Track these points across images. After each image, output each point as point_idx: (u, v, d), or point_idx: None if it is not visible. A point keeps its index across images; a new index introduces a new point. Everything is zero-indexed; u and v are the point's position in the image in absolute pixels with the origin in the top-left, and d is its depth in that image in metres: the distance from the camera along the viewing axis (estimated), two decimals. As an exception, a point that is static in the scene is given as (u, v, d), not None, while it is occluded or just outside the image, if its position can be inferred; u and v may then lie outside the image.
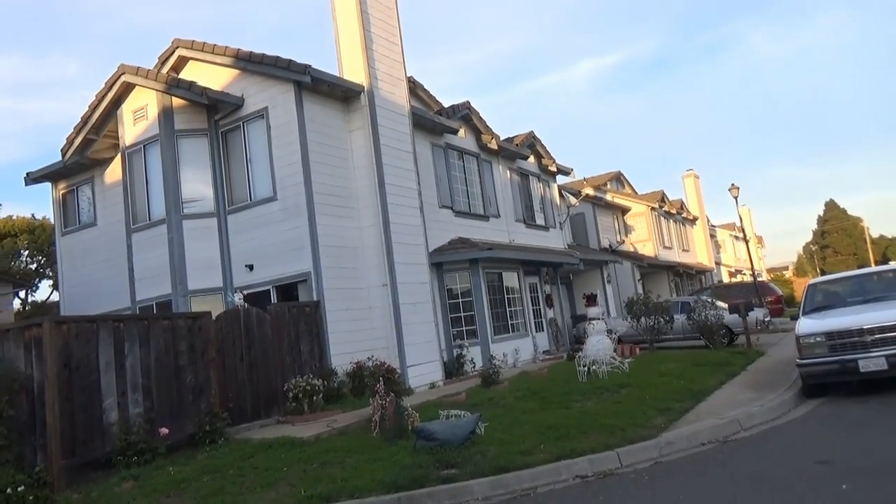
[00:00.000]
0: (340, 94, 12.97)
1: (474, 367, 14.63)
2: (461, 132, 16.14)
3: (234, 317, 9.87)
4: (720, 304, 17.40)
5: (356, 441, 8.41)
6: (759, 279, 34.65)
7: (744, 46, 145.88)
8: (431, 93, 19.48)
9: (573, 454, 7.00)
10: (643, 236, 32.96)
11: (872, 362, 8.97)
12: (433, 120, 15.50)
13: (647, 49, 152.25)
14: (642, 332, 17.08)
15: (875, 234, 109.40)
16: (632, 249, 32.11)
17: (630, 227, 32.93)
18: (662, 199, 34.94)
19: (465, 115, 16.94)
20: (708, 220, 48.88)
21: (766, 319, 19.45)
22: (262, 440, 8.69)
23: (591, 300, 16.82)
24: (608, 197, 32.85)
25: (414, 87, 19.13)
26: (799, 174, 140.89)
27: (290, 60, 11.90)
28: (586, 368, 12.17)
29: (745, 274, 56.21)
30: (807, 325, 10.02)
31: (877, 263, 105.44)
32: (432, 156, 15.64)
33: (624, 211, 32.65)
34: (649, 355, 15.72)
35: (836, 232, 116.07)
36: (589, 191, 32.62)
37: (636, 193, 38.50)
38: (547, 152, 21.18)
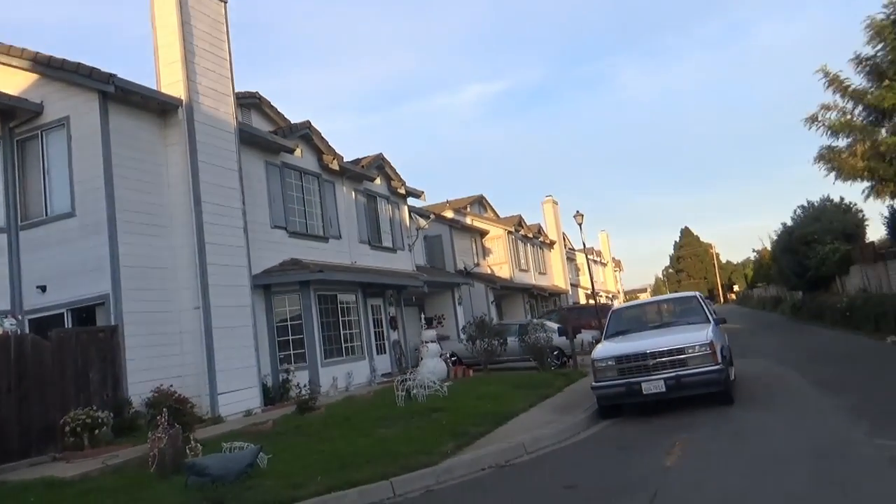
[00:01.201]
0: (156, 106, 12.30)
1: (300, 392, 14.23)
2: (298, 152, 15.83)
3: (2, 345, 8.93)
4: (550, 325, 18.13)
5: (128, 479, 7.80)
6: (607, 302, 36.70)
7: (617, 81, 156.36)
8: (280, 110, 19.12)
9: (347, 485, 6.87)
10: (500, 259, 33.94)
11: (653, 385, 9.57)
12: (267, 138, 15.10)
13: (531, 78, 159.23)
14: (477, 355, 17.43)
15: (724, 260, 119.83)
16: (488, 272, 32.95)
17: (488, 250, 33.82)
18: (520, 223, 36.22)
19: (305, 134, 16.66)
20: (567, 244, 51.32)
21: (596, 341, 20.44)
22: (20, 482, 7.86)
23: (428, 323, 16.96)
24: (467, 220, 33.58)
25: (260, 104, 18.67)
26: (662, 203, 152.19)
27: (93, 68, 11.14)
28: (405, 393, 12.15)
29: (601, 296, 59.54)
30: (600, 350, 10.58)
31: (723, 287, 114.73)
32: (266, 174, 15.20)
33: (482, 234, 33.50)
34: (479, 378, 16.05)
35: (690, 257, 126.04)
36: (449, 213, 33.28)
37: (498, 217, 39.70)
38: (396, 174, 21.29)
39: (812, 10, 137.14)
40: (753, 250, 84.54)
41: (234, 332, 12.37)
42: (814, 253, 28.11)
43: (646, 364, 9.74)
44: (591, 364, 10.39)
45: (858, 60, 13.73)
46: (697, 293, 11.84)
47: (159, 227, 11.92)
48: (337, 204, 17.99)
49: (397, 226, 21.54)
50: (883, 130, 13.74)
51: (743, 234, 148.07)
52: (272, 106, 19.01)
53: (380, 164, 20.45)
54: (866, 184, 14.45)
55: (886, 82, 13.09)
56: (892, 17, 13.18)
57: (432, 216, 24.66)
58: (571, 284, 49.61)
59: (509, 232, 34.26)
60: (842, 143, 14.27)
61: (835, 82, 13.94)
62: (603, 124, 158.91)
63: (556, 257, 43.62)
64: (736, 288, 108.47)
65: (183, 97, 12.34)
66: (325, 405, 12.98)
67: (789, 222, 32.34)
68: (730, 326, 35.88)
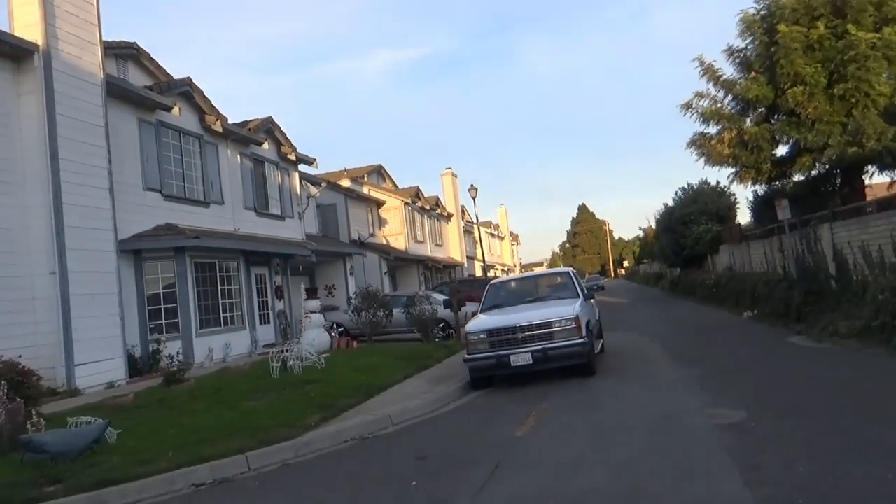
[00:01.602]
0: (8, 50, 11.16)
1: (171, 363, 13.65)
2: (176, 110, 14.92)
3: None
4: (436, 298, 18.31)
5: (-43, 458, 7.20)
6: (501, 275, 37.52)
7: (526, 58, 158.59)
8: (161, 64, 17.89)
9: (199, 460, 6.65)
10: (396, 230, 33.85)
11: (521, 357, 9.86)
12: (140, 93, 14.12)
13: (442, 48, 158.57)
14: (362, 326, 17.34)
15: (616, 237, 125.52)
16: (384, 242, 32.80)
17: (384, 221, 33.61)
18: (417, 194, 36.21)
19: (186, 91, 15.73)
20: (467, 216, 51.94)
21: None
22: None
23: (310, 293, 16.65)
24: (364, 189, 33.17)
25: (138, 55, 17.38)
26: (563, 179, 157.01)
27: (-73, 2, 9.94)
28: (280, 364, 11.90)
29: (496, 269, 60.92)
30: (474, 323, 10.78)
31: (614, 263, 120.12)
32: (139, 132, 14.25)
33: (379, 204, 33.23)
34: (362, 349, 16.01)
35: (585, 233, 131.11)
36: (346, 182, 32.71)
37: (397, 188, 39.50)
38: (287, 139, 20.60)
39: (706, 2, 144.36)
40: (640, 228, 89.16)
41: (96, 299, 11.61)
42: (690, 232, 29.91)
43: (515, 337, 10.02)
44: (464, 337, 10.57)
45: (730, 52, 14.57)
46: (570, 269, 12.27)
47: (6, 184, 10.90)
48: (220, 167, 17.20)
49: (287, 193, 20.91)
50: (748, 120, 14.68)
51: (635, 211, 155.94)
52: (152, 59, 17.75)
53: (269, 129, 19.69)
54: (731, 170, 15.43)
55: (753, 74, 13.94)
56: (761, 12, 14.01)
57: (324, 184, 24.13)
58: (468, 257, 50.37)
59: (406, 203, 34.18)
60: (713, 130, 15.13)
61: (709, 71, 14.71)
62: (510, 99, 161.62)
63: (453, 229, 44.05)
64: (626, 264, 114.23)
65: (40, 42, 11.26)
66: (197, 377, 12.50)
67: (671, 203, 34.15)
68: (613, 300, 37.85)
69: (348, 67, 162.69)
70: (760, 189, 17.69)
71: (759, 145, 13.82)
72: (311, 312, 16.38)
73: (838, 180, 14.79)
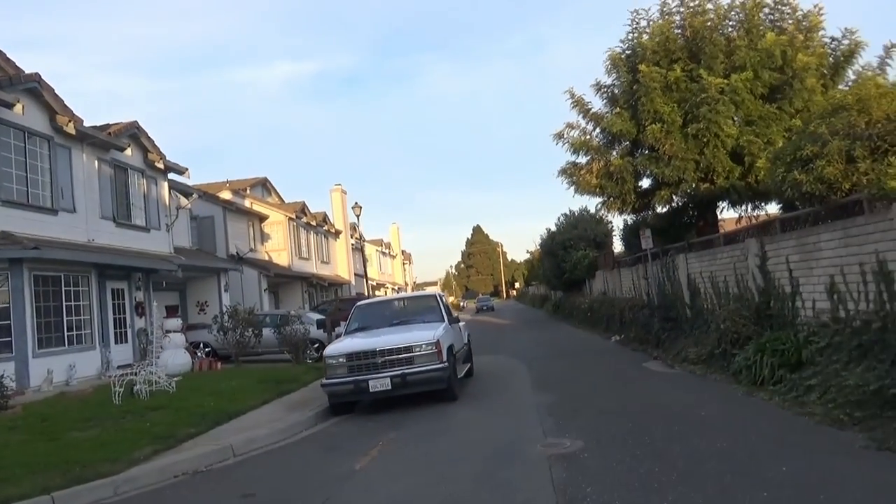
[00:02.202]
0: None
1: (2, 387, 12.31)
2: (18, 107, 13.57)
3: None
4: (310, 317, 17.74)
5: None
6: (388, 293, 37.26)
7: (427, 78, 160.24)
8: (9, 56, 16.36)
9: (-6, 503, 5.87)
10: (279, 245, 32.79)
11: (380, 382, 9.61)
12: (-26, 88, 12.77)
13: (344, 64, 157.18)
14: (229, 346, 16.48)
15: (509, 258, 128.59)
16: (266, 258, 31.67)
17: (267, 235, 32.48)
18: (303, 210, 35.32)
19: (33, 88, 14.40)
20: (357, 235, 51.38)
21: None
22: None
23: (170, 311, 15.65)
24: (246, 203, 31.95)
25: (-18, 46, 15.81)
26: (459, 200, 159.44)
27: None
28: (122, 389, 10.97)
29: (387, 287, 60.59)
30: (333, 347, 10.44)
31: (506, 284, 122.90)
32: (-30, 130, 12.87)
33: (262, 218, 32.08)
34: (226, 371, 15.19)
35: (480, 254, 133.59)
36: (227, 194, 31.37)
37: (283, 201, 38.40)
38: (155, 146, 19.39)
39: (600, 37, 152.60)
40: (527, 251, 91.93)
41: None
42: (570, 257, 30.98)
43: (374, 362, 9.77)
44: (323, 360, 10.20)
45: (598, 87, 15.23)
46: (437, 292, 12.21)
47: None
48: (73, 173, 15.84)
49: (153, 203, 19.65)
50: (614, 152, 15.35)
51: (527, 234, 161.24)
52: (8, 58, 16.23)
53: (134, 134, 18.46)
54: (600, 199, 16.06)
55: (618, 110, 14.62)
56: (626, 52, 14.76)
57: (195, 195, 22.92)
58: (357, 275, 49.74)
59: (290, 218, 33.22)
60: (583, 160, 15.70)
61: (579, 104, 15.28)
62: (408, 119, 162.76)
63: (341, 247, 43.32)
64: (517, 285, 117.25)
65: None
66: (27, 403, 11.34)
67: (553, 227, 35.28)
68: (499, 321, 38.50)
69: (244, 77, 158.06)
70: (629, 219, 18.55)
71: (622, 177, 14.46)
72: (170, 332, 15.41)
73: (694, 213, 15.72)
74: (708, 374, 10.33)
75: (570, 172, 15.67)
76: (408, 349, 9.79)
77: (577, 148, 15.26)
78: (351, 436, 8.33)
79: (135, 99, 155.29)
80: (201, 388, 12.27)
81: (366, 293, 49.26)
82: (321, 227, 38.85)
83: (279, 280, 31.91)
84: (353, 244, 47.72)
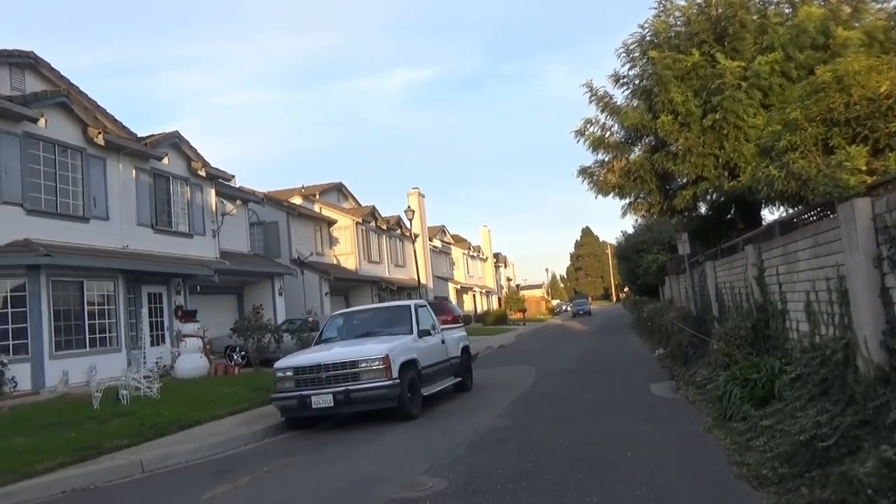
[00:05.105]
0: None
1: (16, 386, 13.04)
2: (42, 122, 14.34)
3: None
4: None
5: None
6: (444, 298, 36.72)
7: (544, 78, 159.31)
8: (64, 74, 17.50)
9: None
10: (347, 249, 33.17)
11: (322, 398, 9.13)
12: (-1, 104, 13.58)
13: (461, 68, 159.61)
14: (250, 352, 16.63)
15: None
16: (334, 262, 32.12)
17: (335, 240, 32.95)
18: (372, 213, 35.55)
19: (62, 102, 15.20)
20: (447, 237, 51.31)
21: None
22: None
23: (187, 315, 15.98)
24: (316, 208, 32.58)
25: (36, 65, 16.99)
26: (568, 201, 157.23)
27: None
28: (101, 395, 11.17)
29: (475, 290, 60.05)
30: (284, 360, 10.04)
31: (617, 287, 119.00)
32: (-2, 145, 13.71)
33: (330, 223, 32.59)
34: (238, 377, 15.29)
35: (589, 256, 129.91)
36: (298, 199, 32.17)
37: (359, 205, 38.88)
38: (197, 155, 20.04)
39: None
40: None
41: None
42: (641, 261, 29.02)
43: (319, 377, 9.29)
44: (275, 373, 9.84)
45: (616, 78, 13.81)
46: (413, 302, 11.47)
47: None
48: (107, 182, 16.60)
49: (197, 209, 20.30)
50: (636, 149, 13.93)
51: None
52: (52, 68, 17.34)
53: (175, 143, 19.15)
54: (626, 201, 14.67)
55: (635, 102, 13.22)
56: (647, 37, 13.25)
57: (239, 201, 23.47)
58: (441, 277, 49.62)
59: (358, 223, 33.51)
60: (605, 158, 14.39)
61: (598, 98, 13.90)
62: (524, 121, 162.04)
63: (418, 250, 43.26)
64: (626, 289, 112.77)
65: None
66: (20, 405, 11.83)
67: (630, 230, 33.28)
68: (576, 328, 36.91)
69: (365, 86, 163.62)
70: (674, 221, 16.90)
71: (640, 175, 13.05)
72: (187, 336, 15.74)
73: (731, 214, 13.97)
74: (697, 402, 8.96)
75: (590, 172, 14.39)
76: (353, 364, 9.25)
77: (595, 145, 13.97)
78: (261, 457, 7.87)
79: (264, 111, 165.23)
80: (186, 395, 12.33)
81: (448, 296, 49.11)
82: (394, 230, 38.96)
83: (348, 284, 32.26)
84: (432, 247, 47.68)
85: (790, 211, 9.28)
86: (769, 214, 13.92)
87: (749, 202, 13.17)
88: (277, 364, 9.86)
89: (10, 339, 13.30)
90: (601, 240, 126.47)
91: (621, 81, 13.70)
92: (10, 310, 13.39)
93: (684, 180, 12.93)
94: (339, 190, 38.42)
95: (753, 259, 8.87)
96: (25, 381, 13.33)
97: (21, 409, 11.21)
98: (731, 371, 7.76)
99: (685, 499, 4.98)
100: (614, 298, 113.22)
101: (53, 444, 8.40)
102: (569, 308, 72.70)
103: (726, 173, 12.02)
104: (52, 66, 17.46)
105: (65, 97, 15.25)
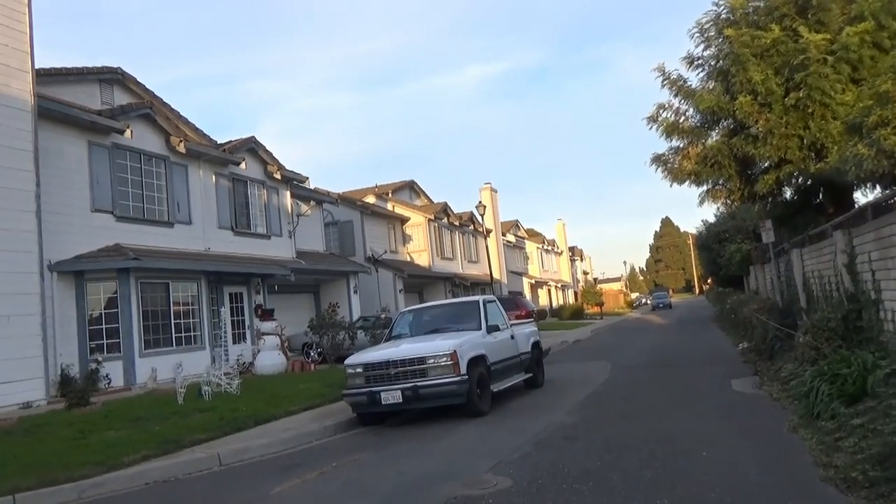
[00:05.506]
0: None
1: (109, 383, 13.85)
2: (128, 133, 15.13)
3: None
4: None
5: None
6: (519, 292, 36.34)
7: (618, 67, 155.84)
8: (149, 87, 18.48)
9: (-43, 502, 6.42)
10: (420, 246, 33.43)
11: (391, 395, 9.18)
12: (89, 119, 14.41)
13: (531, 60, 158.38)
14: (325, 349, 16.99)
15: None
16: (407, 259, 32.44)
17: (408, 237, 33.27)
18: (444, 210, 35.66)
19: (146, 114, 15.99)
20: (521, 231, 50.96)
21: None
22: None
23: (265, 314, 16.47)
24: (389, 206, 32.99)
25: (123, 80, 17.98)
26: (647, 191, 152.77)
27: None
28: (185, 390, 11.69)
29: (550, 285, 59.28)
30: (353, 357, 10.16)
31: (699, 278, 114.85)
32: (88, 155, 14.56)
33: (403, 221, 32.93)
34: (313, 373, 15.63)
35: (669, 247, 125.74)
36: (371, 198, 32.70)
37: (431, 202, 39.10)
38: (273, 158, 20.66)
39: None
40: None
41: (12, 321, 11.83)
42: (724, 251, 27.83)
43: (388, 373, 9.35)
44: (345, 370, 9.97)
45: (690, 59, 13.17)
46: (482, 298, 11.34)
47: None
48: (189, 188, 17.37)
49: (274, 211, 20.95)
50: (714, 134, 13.27)
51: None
52: (138, 82, 18.33)
53: (252, 148, 19.81)
54: (704, 188, 14.00)
55: (712, 84, 12.58)
56: (722, 15, 12.57)
57: (313, 203, 24.01)
58: (515, 272, 49.25)
59: (430, 220, 33.69)
60: (680, 144, 13.79)
61: (670, 82, 13.31)
62: (598, 111, 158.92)
63: (491, 245, 43.08)
64: (709, 281, 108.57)
65: (-40, 72, 11.67)
66: (113, 400, 12.50)
67: (712, 219, 31.97)
68: (655, 322, 35.82)
69: (439, 84, 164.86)
70: (755, 207, 16.06)
71: (718, 161, 12.41)
72: (266, 334, 16.23)
73: (820, 198, 13.09)
74: (782, 399, 8.44)
75: (664, 160, 13.83)
76: (421, 360, 9.24)
77: (668, 132, 13.40)
78: (330, 453, 7.97)
79: (337, 113, 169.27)
80: (263, 391, 12.71)
81: (523, 291, 48.70)
82: (466, 226, 38.95)
83: (422, 280, 32.52)
84: (506, 242, 47.36)
85: (885, 192, 8.58)
86: (862, 197, 12.98)
87: (838, 184, 12.30)
88: (348, 361, 9.99)
89: (105, 338, 14.13)
90: (682, 230, 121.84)
91: (695, 63, 13.08)
92: (103, 311, 14.23)
93: (766, 164, 12.18)
94: (412, 188, 38.76)
95: (843, 245, 8.26)
96: (118, 378, 14.12)
97: (113, 405, 11.85)
98: (818, 366, 7.24)
99: (765, 502, 4.66)
100: (697, 290, 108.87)
101: (140, 437, 8.82)
102: (648, 301, 70.73)
103: (812, 154, 11.26)
104: (138, 79, 18.44)
105: (148, 108, 16.04)
